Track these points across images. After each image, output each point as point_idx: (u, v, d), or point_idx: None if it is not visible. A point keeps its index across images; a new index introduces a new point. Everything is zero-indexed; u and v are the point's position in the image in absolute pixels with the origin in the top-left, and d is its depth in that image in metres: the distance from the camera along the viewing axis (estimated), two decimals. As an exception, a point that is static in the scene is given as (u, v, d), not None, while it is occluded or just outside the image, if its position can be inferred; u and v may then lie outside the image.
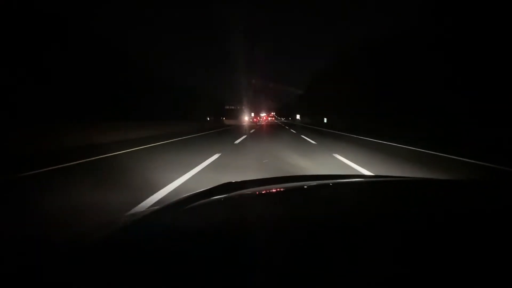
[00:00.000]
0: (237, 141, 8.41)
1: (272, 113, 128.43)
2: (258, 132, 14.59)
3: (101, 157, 4.99)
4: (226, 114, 50.44)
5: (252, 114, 64.72)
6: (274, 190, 0.91)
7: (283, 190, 0.91)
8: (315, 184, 0.99)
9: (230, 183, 0.95)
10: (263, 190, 0.90)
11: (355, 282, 0.32)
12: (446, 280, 0.33)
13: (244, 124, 34.84)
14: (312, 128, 20.41)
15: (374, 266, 0.36)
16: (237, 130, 17.00)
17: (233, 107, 60.33)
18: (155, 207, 0.71)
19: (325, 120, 27.06)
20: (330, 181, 1.05)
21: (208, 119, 38.52)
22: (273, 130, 17.12)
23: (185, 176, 3.35)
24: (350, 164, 4.27)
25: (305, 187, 0.94)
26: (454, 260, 0.37)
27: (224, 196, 0.78)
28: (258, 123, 37.96)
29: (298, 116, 65.76)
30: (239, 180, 0.99)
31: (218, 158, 4.88)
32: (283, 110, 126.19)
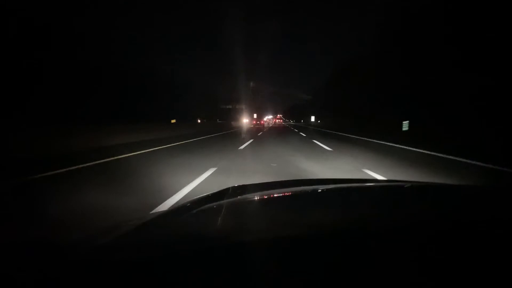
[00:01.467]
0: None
1: (279, 115, 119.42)
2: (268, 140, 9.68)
3: None
4: (229, 116, 39.20)
5: (255, 115, 51.95)
6: (279, 195, 0.90)
7: (287, 195, 0.89)
8: (322, 188, 0.98)
9: (235, 187, 0.94)
10: (268, 194, 0.90)
11: None
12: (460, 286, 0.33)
13: (250, 127, 27.61)
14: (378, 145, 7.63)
15: (385, 274, 0.35)
16: (236, 137, 11.28)
17: (230, 107, 47.90)
18: (160, 211, 0.73)
19: (406, 126, 13.43)
20: (339, 186, 1.03)
21: (199, 121, 32.93)
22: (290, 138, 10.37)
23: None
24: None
25: (311, 191, 0.93)
26: (469, 267, 0.36)
27: (229, 201, 0.78)
28: (265, 126, 31.67)
29: (312, 118, 52.61)
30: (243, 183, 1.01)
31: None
32: (292, 111, 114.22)
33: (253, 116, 50.99)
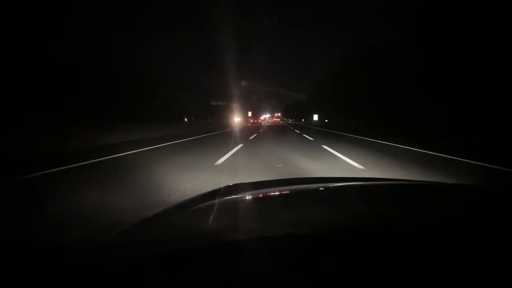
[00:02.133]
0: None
1: (277, 114, 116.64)
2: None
3: None
4: (222, 114, 34.27)
5: (250, 114, 45.76)
6: (276, 193, 0.89)
7: (284, 193, 0.89)
8: (318, 187, 0.98)
9: (232, 185, 0.94)
10: (266, 193, 0.89)
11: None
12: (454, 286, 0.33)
13: (243, 126, 24.53)
14: None
15: (384, 273, 0.35)
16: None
17: (222, 104, 41.32)
18: (158, 210, 0.72)
19: None
20: (335, 184, 1.03)
21: (186, 120, 28.85)
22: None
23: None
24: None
25: (307, 190, 0.92)
26: (469, 267, 0.36)
27: (226, 199, 0.78)
28: (263, 125, 29.88)
29: (315, 117, 46.26)
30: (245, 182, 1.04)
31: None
32: (291, 110, 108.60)
33: (247, 114, 44.90)
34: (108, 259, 0.41)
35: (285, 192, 0.89)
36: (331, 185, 1.00)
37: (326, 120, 35.68)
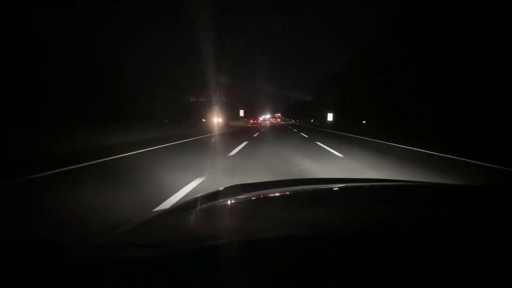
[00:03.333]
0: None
1: (278, 114, 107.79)
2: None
3: None
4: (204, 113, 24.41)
5: (242, 113, 35.16)
6: (277, 194, 0.88)
7: (285, 194, 0.88)
8: (321, 188, 0.98)
9: (239, 185, 0.94)
10: (268, 194, 0.88)
11: None
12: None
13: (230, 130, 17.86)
14: None
15: (383, 274, 0.35)
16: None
17: (204, 99, 30.29)
18: (160, 210, 0.70)
19: None
20: (338, 185, 1.03)
21: (166, 121, 20.06)
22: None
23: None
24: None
25: (309, 191, 0.92)
26: (469, 267, 0.36)
27: (228, 200, 0.78)
28: (262, 125, 28.09)
29: (330, 117, 35.08)
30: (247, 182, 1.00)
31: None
32: (293, 109, 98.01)
33: (239, 114, 34.07)
34: (107, 260, 0.40)
35: (286, 194, 0.88)
36: (334, 186, 1.01)
37: (363, 121, 23.90)
